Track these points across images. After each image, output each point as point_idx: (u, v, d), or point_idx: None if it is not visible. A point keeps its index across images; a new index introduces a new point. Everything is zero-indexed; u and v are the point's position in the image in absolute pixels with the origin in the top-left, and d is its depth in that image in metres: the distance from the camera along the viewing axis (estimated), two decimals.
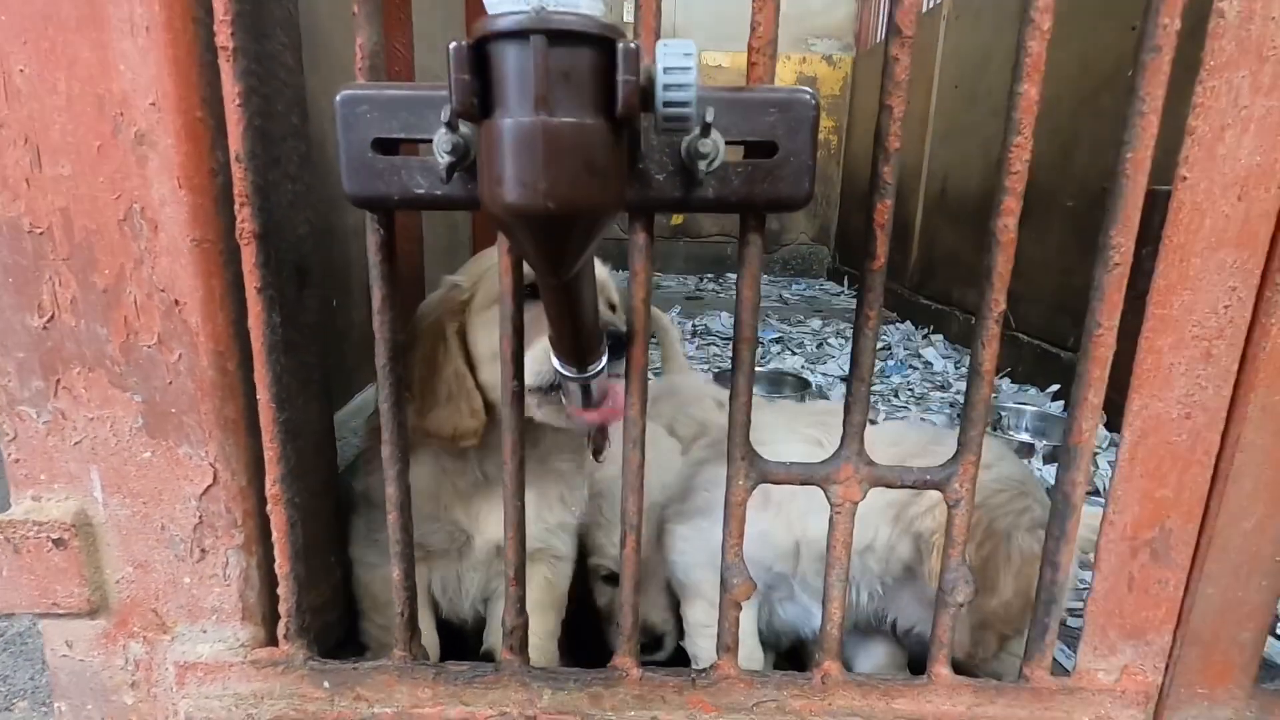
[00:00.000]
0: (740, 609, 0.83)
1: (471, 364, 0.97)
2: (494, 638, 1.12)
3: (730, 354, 3.56)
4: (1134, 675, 0.84)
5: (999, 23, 3.96)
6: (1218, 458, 0.77)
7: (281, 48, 0.80)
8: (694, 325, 4.44)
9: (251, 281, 0.73)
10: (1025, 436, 2.81)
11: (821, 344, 4.12)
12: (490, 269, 0.99)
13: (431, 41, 2.05)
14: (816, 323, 4.74)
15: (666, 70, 0.48)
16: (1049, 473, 2.43)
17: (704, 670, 0.84)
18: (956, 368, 3.69)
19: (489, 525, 1.01)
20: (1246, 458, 0.76)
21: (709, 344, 4.07)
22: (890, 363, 3.76)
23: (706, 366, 3.48)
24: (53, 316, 0.73)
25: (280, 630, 0.83)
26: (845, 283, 6.49)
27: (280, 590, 0.81)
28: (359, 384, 1.65)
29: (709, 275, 6.88)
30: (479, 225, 2.60)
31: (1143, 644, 0.83)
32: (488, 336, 0.96)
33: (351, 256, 1.56)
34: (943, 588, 0.82)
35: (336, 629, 1.03)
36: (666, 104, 0.49)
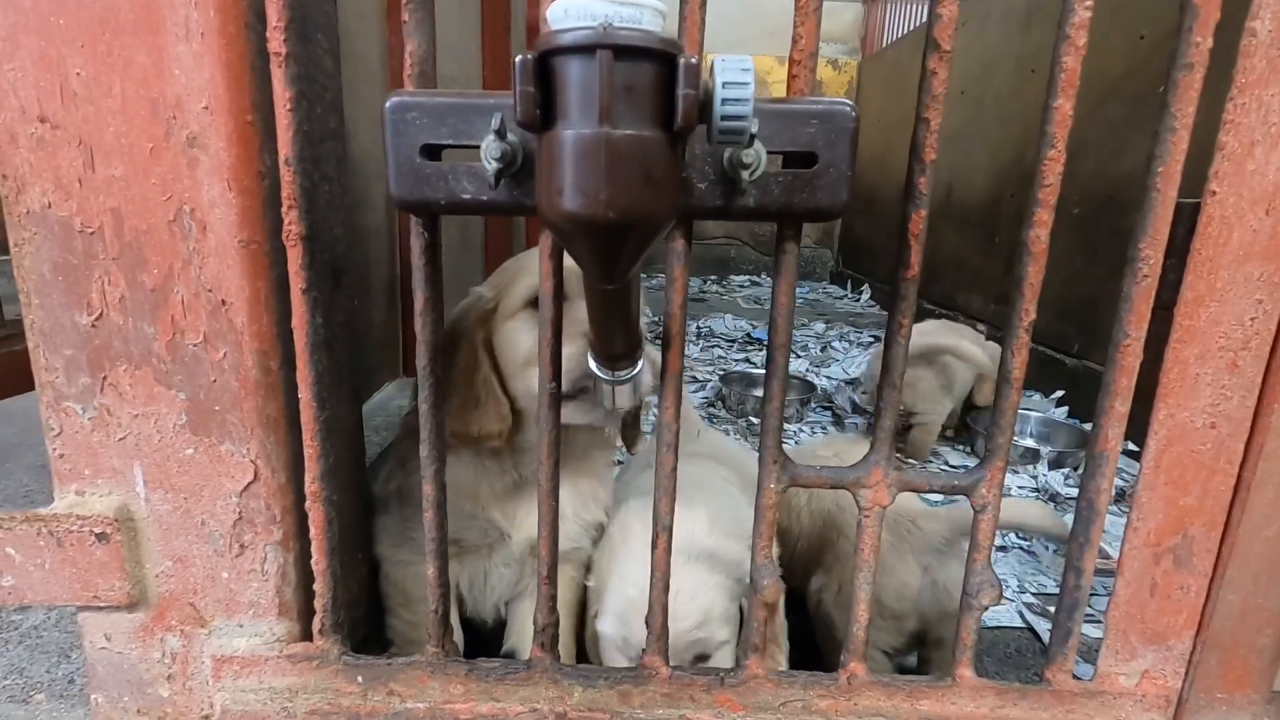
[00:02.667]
0: (769, 610, 0.84)
1: (499, 370, 0.98)
2: (516, 639, 1.13)
3: (737, 356, 3.52)
4: (1154, 680, 0.85)
5: (1006, 29, 3.97)
6: (1241, 466, 0.79)
7: (323, 52, 0.82)
8: (698, 327, 4.45)
9: (297, 283, 0.74)
10: (1030, 442, 2.81)
11: (825, 347, 4.13)
12: (514, 280, 1.00)
13: (449, 48, 2.07)
14: (820, 326, 4.75)
15: (725, 85, 0.50)
16: (1054, 478, 2.44)
17: (732, 669, 0.86)
18: None
19: (526, 524, 1.02)
20: (1270, 467, 0.78)
21: (713, 346, 4.08)
22: None
23: (711, 369, 3.50)
24: (101, 314, 0.75)
25: (315, 625, 0.84)
26: (849, 286, 6.50)
27: (316, 586, 0.83)
28: (377, 383, 1.67)
29: (712, 277, 6.89)
30: (492, 228, 2.62)
31: (1163, 649, 0.85)
32: (512, 345, 0.97)
33: (370, 258, 1.57)
34: (968, 591, 0.83)
35: (363, 625, 1.04)
36: (724, 118, 0.50)
